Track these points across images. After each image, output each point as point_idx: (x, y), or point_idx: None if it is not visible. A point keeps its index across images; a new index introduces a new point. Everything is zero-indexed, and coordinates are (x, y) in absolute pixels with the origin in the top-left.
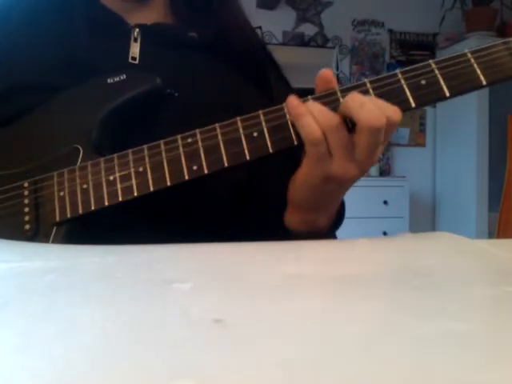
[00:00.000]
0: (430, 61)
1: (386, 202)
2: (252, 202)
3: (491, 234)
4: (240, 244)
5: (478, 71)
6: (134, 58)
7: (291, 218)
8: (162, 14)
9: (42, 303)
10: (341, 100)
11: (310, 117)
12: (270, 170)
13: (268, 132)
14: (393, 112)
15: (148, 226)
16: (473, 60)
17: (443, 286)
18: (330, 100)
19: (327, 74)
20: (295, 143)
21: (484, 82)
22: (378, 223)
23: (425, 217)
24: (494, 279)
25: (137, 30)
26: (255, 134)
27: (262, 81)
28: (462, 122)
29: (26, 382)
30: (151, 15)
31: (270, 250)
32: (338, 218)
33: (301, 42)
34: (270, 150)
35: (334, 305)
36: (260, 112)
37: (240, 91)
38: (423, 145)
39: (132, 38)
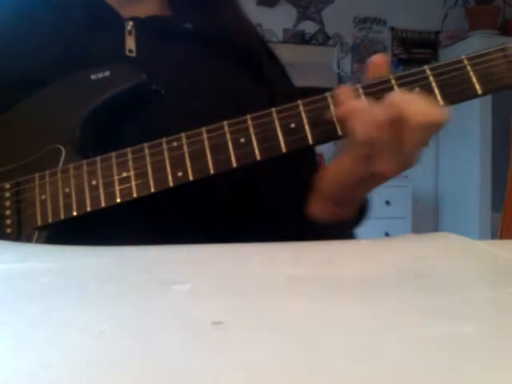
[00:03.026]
0: (425, 66)
1: (388, 203)
2: (252, 200)
3: (494, 235)
4: (239, 245)
5: (474, 80)
6: (130, 51)
7: (316, 208)
8: (158, 7)
9: (39, 305)
10: (395, 88)
11: (361, 116)
12: (268, 167)
13: (256, 139)
14: (440, 111)
15: (140, 226)
16: (469, 67)
17: (445, 287)
18: (382, 88)
19: (380, 59)
20: (283, 151)
21: (479, 92)
22: (380, 224)
23: (427, 217)
24: (497, 280)
25: (130, 23)
26: (242, 140)
27: (260, 77)
28: (465, 122)
29: None
30: (147, 8)
31: (270, 251)
32: (363, 210)
33: (301, 39)
34: (258, 158)
35: (335, 306)
36: (248, 117)
37: (237, 87)
38: (426, 145)
39: (126, 32)
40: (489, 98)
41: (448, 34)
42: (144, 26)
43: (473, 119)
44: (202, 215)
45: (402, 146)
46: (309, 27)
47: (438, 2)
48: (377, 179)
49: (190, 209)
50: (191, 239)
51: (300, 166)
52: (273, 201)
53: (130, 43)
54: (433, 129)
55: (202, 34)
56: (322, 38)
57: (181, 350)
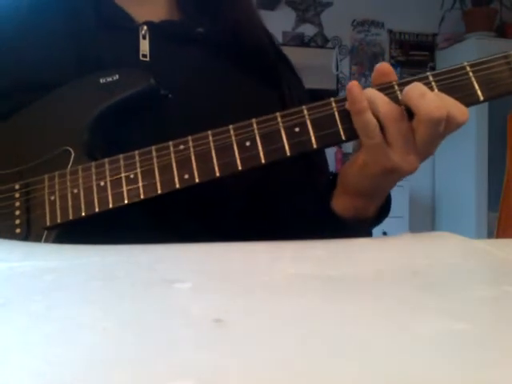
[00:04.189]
0: (428, 73)
1: None
2: (265, 210)
3: (490, 234)
4: (240, 244)
5: (476, 86)
6: (144, 56)
7: (340, 203)
8: (168, 10)
9: (42, 303)
10: (398, 93)
11: (369, 112)
12: (282, 166)
13: (261, 142)
14: (456, 108)
15: (148, 226)
16: (471, 74)
17: (443, 286)
18: (387, 93)
19: (384, 67)
20: (288, 154)
21: (481, 98)
22: None
23: (424, 217)
24: (494, 279)
25: (145, 27)
26: (248, 144)
27: (272, 81)
28: None
29: (26, 382)
30: (158, 11)
31: (270, 250)
32: (383, 210)
33: (301, 42)
34: (263, 161)
35: (334, 305)
36: (253, 120)
37: (249, 93)
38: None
39: (140, 36)
40: None
41: (445, 37)
42: (158, 30)
43: (469, 118)
44: (211, 219)
45: (414, 139)
46: (308, 30)
47: (436, 4)
48: (397, 173)
49: (200, 212)
50: (200, 241)
51: (315, 175)
52: (288, 212)
53: (145, 48)
54: (440, 125)
55: (213, 40)
56: (321, 41)
57: (182, 347)
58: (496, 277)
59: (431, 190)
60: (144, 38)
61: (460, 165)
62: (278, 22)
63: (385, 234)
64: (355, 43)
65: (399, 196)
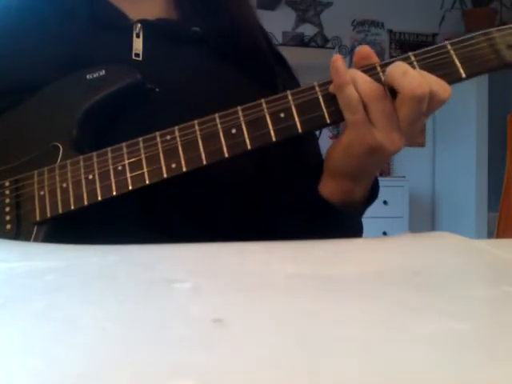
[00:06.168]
0: (410, 53)
1: (385, 202)
2: (259, 208)
3: (490, 234)
4: (239, 244)
5: (458, 63)
6: (137, 55)
7: (327, 187)
8: (165, 9)
9: (42, 303)
10: (381, 74)
11: (352, 86)
12: (273, 158)
13: (246, 128)
14: (439, 85)
15: (140, 223)
16: (452, 52)
17: (443, 285)
18: (370, 74)
19: (365, 49)
20: (273, 140)
21: (463, 75)
22: (377, 223)
23: (424, 217)
24: (494, 279)
25: (139, 25)
26: (234, 131)
27: (267, 80)
28: (462, 121)
29: (26, 382)
30: (153, 9)
31: (270, 250)
32: (372, 193)
33: (301, 42)
34: (249, 147)
35: (334, 305)
36: (238, 108)
37: (244, 92)
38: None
39: (134, 34)
40: (485, 96)
41: (445, 37)
42: (152, 28)
43: (469, 118)
44: (205, 216)
45: (397, 117)
46: (308, 30)
47: (436, 4)
48: (381, 152)
49: (193, 209)
50: (192, 238)
51: (308, 162)
52: (281, 210)
53: (138, 46)
54: (422, 102)
55: (209, 38)
56: (321, 41)
57: (182, 347)
58: (496, 277)
59: (431, 190)
60: (138, 36)
61: (460, 165)
62: (278, 22)
63: (385, 234)
64: (355, 43)
65: (399, 196)
